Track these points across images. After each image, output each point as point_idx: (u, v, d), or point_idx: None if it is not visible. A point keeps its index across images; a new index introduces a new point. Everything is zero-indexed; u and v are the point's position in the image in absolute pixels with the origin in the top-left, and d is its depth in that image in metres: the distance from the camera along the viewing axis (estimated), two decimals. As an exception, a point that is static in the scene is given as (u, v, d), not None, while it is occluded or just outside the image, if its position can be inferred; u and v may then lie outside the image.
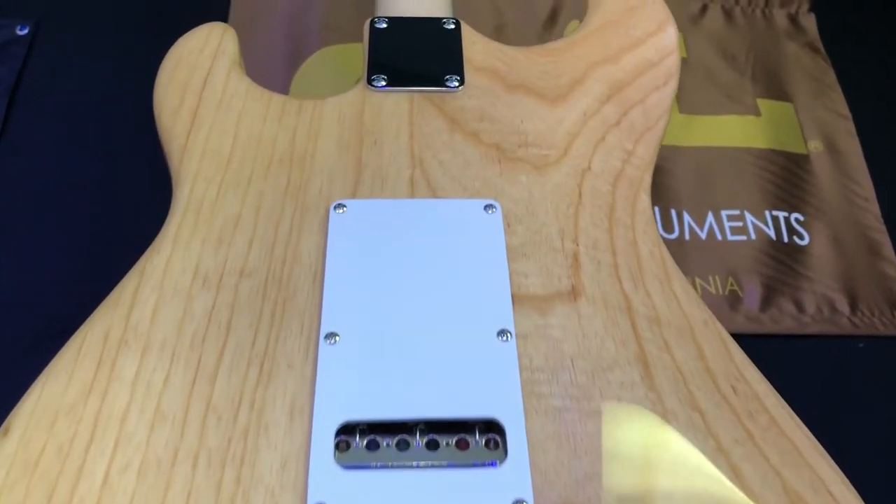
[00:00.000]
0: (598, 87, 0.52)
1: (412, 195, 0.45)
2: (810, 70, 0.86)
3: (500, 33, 0.83)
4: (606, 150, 0.49)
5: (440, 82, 0.51)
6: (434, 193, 0.45)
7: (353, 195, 0.44)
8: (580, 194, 0.46)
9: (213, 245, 0.41)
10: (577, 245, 0.43)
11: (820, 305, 0.70)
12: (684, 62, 0.84)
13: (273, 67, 0.76)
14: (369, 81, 0.51)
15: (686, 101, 0.82)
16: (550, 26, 0.84)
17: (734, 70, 0.85)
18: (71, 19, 0.80)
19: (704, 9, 0.89)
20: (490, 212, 0.44)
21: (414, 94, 0.51)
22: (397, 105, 0.50)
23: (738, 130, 0.80)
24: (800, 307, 0.70)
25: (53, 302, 0.63)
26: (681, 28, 0.86)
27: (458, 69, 0.52)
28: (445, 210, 0.44)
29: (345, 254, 0.41)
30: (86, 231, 0.67)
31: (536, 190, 0.46)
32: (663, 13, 0.56)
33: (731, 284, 0.71)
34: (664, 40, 0.55)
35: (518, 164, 0.47)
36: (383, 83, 0.51)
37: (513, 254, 0.42)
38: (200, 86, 0.49)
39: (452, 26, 0.56)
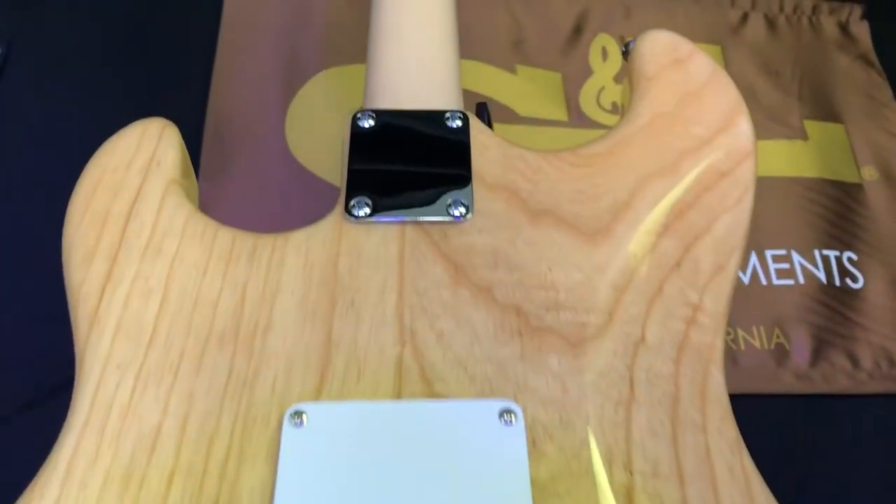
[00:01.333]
0: (652, 211, 0.39)
1: (399, 392, 0.32)
2: (863, 86, 0.78)
3: (518, 51, 0.75)
4: (665, 308, 0.36)
5: (441, 209, 0.38)
6: (430, 387, 0.33)
7: (318, 394, 0.32)
8: (632, 385, 0.34)
9: (117, 487, 0.30)
10: (632, 474, 0.31)
11: (877, 359, 0.63)
12: (723, 79, 0.76)
13: (266, 95, 0.69)
14: (347, 209, 0.38)
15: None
16: (575, 41, 0.77)
17: (778, 88, 0.77)
18: (45, 41, 0.73)
19: (745, 17, 0.80)
20: (508, 420, 0.31)
21: (406, 225, 0.38)
22: (384, 244, 0.37)
23: (783, 158, 0.72)
24: (854, 362, 0.63)
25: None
26: (718, 40, 0.78)
27: (465, 188, 0.39)
28: (445, 418, 0.31)
29: (302, 492, 0.29)
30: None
31: (573, 383, 0.33)
32: (733, 98, 0.43)
33: (778, 336, 0.63)
34: (738, 139, 0.42)
35: (546, 337, 0.34)
36: (366, 211, 0.38)
37: (541, 494, 0.30)
38: (124, 219, 0.37)
39: (459, 123, 0.42)
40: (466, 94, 0.71)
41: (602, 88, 0.74)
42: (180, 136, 0.41)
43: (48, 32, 0.71)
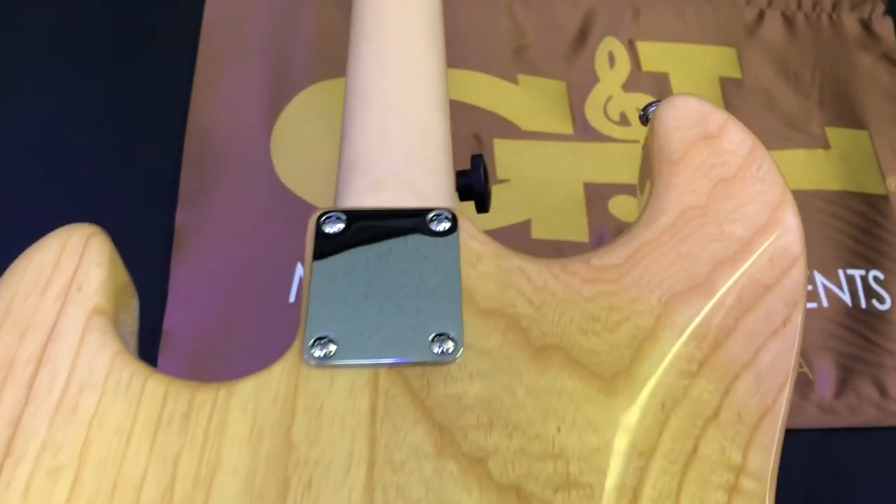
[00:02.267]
0: (682, 343, 0.31)
1: None
2: (887, 88, 0.73)
3: (520, 58, 0.70)
4: (701, 476, 0.28)
5: (423, 346, 0.30)
6: None
7: None
8: None
9: None
10: None
11: (907, 388, 0.58)
12: (738, 83, 0.72)
13: (250, 112, 0.64)
14: (308, 349, 0.30)
15: (741, 133, 0.69)
16: (580, 47, 0.72)
17: (798, 93, 0.72)
18: (18, 54, 0.69)
19: (761, 16, 0.75)
20: None
21: (380, 370, 0.29)
22: (351, 396, 0.28)
23: (803, 168, 0.68)
24: (882, 390, 0.58)
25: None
26: (734, 41, 0.74)
27: (452, 316, 0.31)
28: None
29: None
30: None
31: None
32: (777, 185, 0.35)
33: (801, 365, 0.59)
34: (783, 239, 0.34)
35: None
36: (330, 350, 0.30)
37: None
38: (32, 368, 0.28)
39: (446, 225, 0.33)
40: (465, 108, 0.67)
41: (609, 97, 0.70)
42: (111, 246, 0.33)
43: (20, 46, 0.67)
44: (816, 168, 0.68)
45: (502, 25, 0.72)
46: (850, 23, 0.76)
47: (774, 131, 0.70)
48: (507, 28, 0.72)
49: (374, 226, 0.33)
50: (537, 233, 0.62)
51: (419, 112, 0.38)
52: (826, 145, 0.69)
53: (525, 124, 0.67)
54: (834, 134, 0.70)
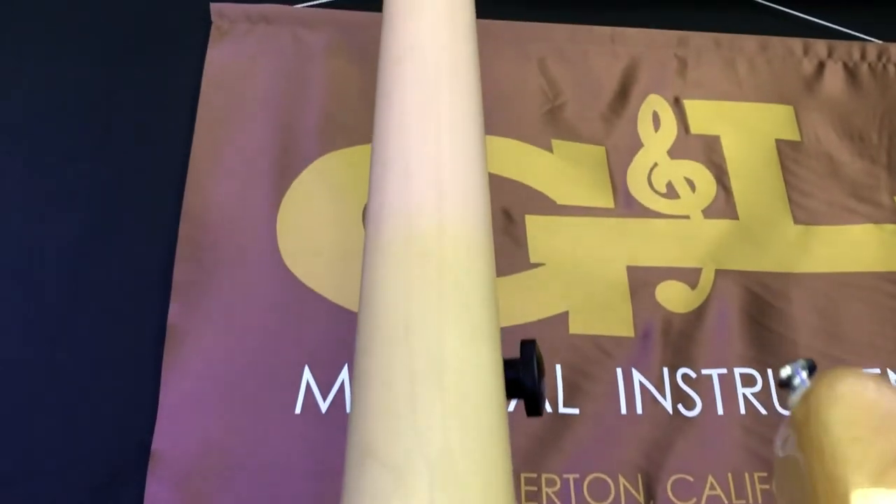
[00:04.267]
0: None
1: None
2: (965, 149, 0.65)
3: (554, 120, 0.63)
4: None
5: None
6: None
7: None
8: None
9: None
10: None
11: None
12: (797, 147, 0.64)
13: (254, 189, 0.57)
14: None
15: (801, 204, 0.62)
16: (620, 106, 0.64)
17: (863, 156, 0.64)
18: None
19: (821, 68, 0.68)
20: None
21: None
22: None
23: (870, 247, 0.61)
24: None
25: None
26: (791, 98, 0.66)
27: None
28: None
29: None
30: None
31: None
32: None
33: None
34: None
35: None
36: None
37: None
38: None
39: None
40: (493, 180, 0.60)
41: (654, 165, 0.62)
42: None
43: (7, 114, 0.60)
44: (886, 246, 0.61)
45: (533, 82, 0.65)
46: (920, 74, 0.69)
47: (837, 202, 0.62)
48: (539, 85, 0.65)
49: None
50: (575, 327, 0.55)
51: None
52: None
53: (560, 197, 0.60)
54: (905, 204, 0.63)
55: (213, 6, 0.63)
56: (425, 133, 0.34)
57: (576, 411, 0.53)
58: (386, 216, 0.31)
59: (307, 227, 0.56)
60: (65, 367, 0.51)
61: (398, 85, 0.37)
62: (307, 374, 0.52)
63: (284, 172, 0.58)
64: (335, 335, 0.52)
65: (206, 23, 0.63)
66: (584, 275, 0.57)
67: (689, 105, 0.65)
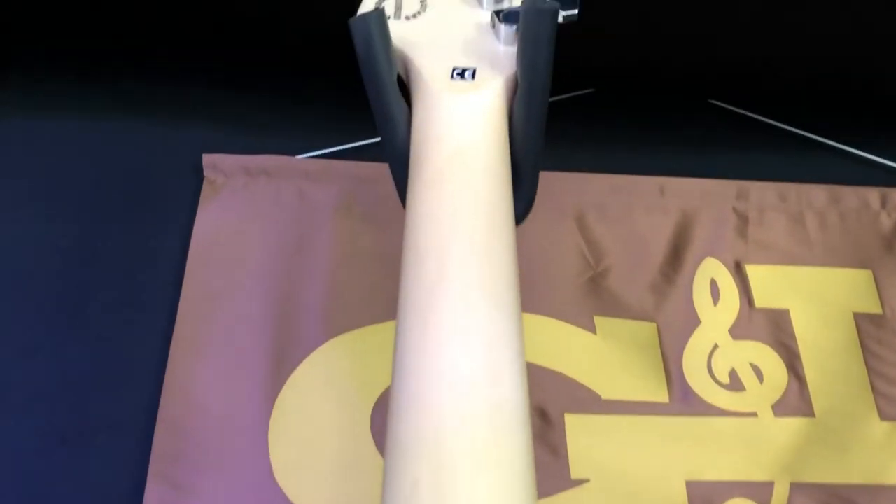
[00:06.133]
0: None
1: None
2: None
3: (596, 291, 0.55)
4: None
5: None
6: None
7: None
8: None
9: None
10: None
11: None
12: (878, 321, 0.55)
13: (244, 383, 0.49)
14: None
15: (887, 394, 0.53)
16: (673, 271, 0.56)
17: (958, 334, 0.55)
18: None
19: (900, 223, 0.59)
20: None
21: None
22: None
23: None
24: None
25: None
26: (869, 260, 0.58)
27: None
28: None
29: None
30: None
31: None
32: None
33: None
34: None
35: None
36: None
37: None
38: None
39: None
40: (532, 370, 0.51)
41: (715, 347, 0.53)
42: None
43: None
44: None
45: (571, 243, 0.56)
46: None
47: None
48: (578, 247, 0.56)
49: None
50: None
51: None
52: None
53: (606, 390, 0.51)
54: None
55: (206, 157, 0.55)
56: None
57: None
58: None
59: (304, 436, 0.47)
60: None
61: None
62: None
63: (281, 366, 0.49)
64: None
65: (197, 177, 0.55)
66: (637, 493, 0.48)
67: (753, 271, 0.56)
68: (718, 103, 0.64)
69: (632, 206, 0.58)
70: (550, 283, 0.54)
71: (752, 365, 0.53)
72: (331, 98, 0.55)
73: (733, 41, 0.61)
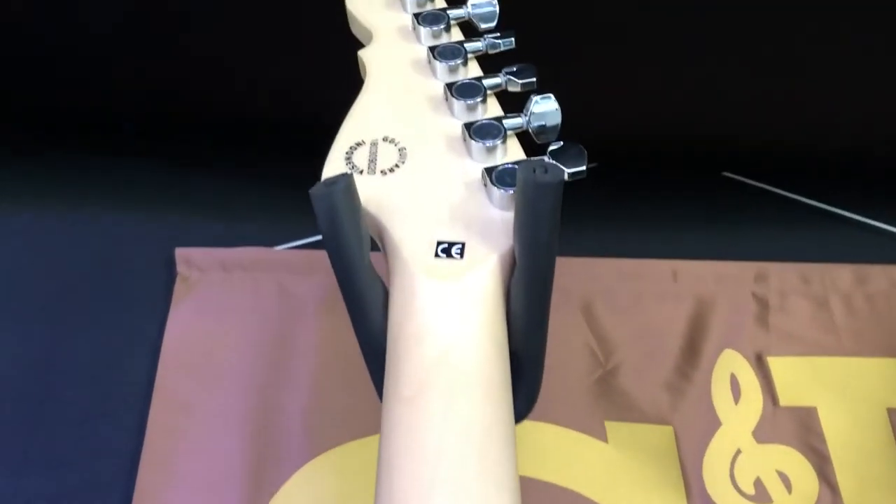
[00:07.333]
0: None
1: None
2: None
3: (607, 392, 0.50)
4: None
5: None
6: None
7: None
8: None
9: None
10: None
11: None
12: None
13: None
14: None
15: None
16: (689, 366, 0.51)
17: None
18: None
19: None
20: None
21: None
22: None
23: None
24: None
25: None
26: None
27: None
28: None
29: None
30: None
31: None
32: None
33: None
34: None
35: None
36: None
37: None
38: None
39: None
40: (529, 485, 0.46)
41: (737, 453, 0.49)
42: None
43: None
44: None
45: (578, 337, 0.52)
46: None
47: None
48: (586, 341, 0.51)
49: None
50: None
51: None
52: None
53: (620, 507, 0.46)
54: None
55: (179, 252, 0.51)
56: None
57: None
58: None
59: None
60: None
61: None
62: None
63: (259, 490, 0.44)
64: None
65: (169, 271, 0.50)
66: None
67: (775, 364, 0.52)
68: (733, 176, 0.60)
69: (642, 294, 0.53)
70: (557, 385, 0.50)
71: (778, 472, 0.49)
72: (311, 183, 0.51)
73: (746, 111, 0.57)
